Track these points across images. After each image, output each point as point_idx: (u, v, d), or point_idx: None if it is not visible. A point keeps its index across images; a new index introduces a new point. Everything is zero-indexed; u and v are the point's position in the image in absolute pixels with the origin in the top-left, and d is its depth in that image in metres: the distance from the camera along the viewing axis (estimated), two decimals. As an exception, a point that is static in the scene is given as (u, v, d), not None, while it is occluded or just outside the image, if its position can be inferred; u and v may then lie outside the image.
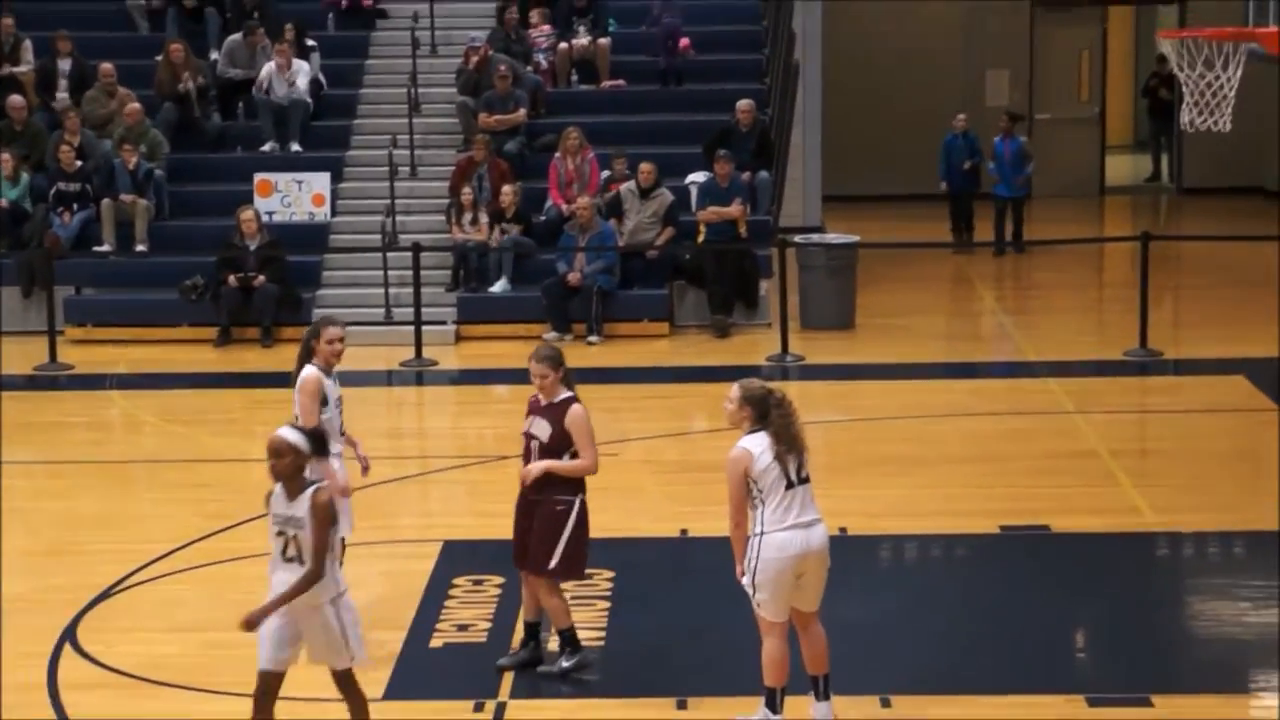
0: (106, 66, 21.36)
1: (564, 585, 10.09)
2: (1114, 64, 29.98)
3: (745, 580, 9.01)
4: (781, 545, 8.90)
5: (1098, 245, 24.29)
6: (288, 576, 8.44)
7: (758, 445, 8.92)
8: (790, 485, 8.92)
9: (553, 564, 9.83)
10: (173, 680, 10.28)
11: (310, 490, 8.32)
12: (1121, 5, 29.57)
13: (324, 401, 10.68)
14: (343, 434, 10.90)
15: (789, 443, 8.92)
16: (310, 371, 10.69)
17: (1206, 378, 17.16)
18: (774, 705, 9.17)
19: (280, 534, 8.46)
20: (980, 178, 23.66)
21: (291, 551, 8.42)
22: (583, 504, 9.87)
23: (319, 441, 8.50)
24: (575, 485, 9.86)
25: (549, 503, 9.85)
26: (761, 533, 8.93)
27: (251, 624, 8.47)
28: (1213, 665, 10.34)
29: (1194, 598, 11.71)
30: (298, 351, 10.89)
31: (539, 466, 9.75)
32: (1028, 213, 24.64)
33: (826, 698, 9.20)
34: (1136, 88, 31.08)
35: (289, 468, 8.36)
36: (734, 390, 9.08)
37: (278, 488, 8.44)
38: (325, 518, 8.32)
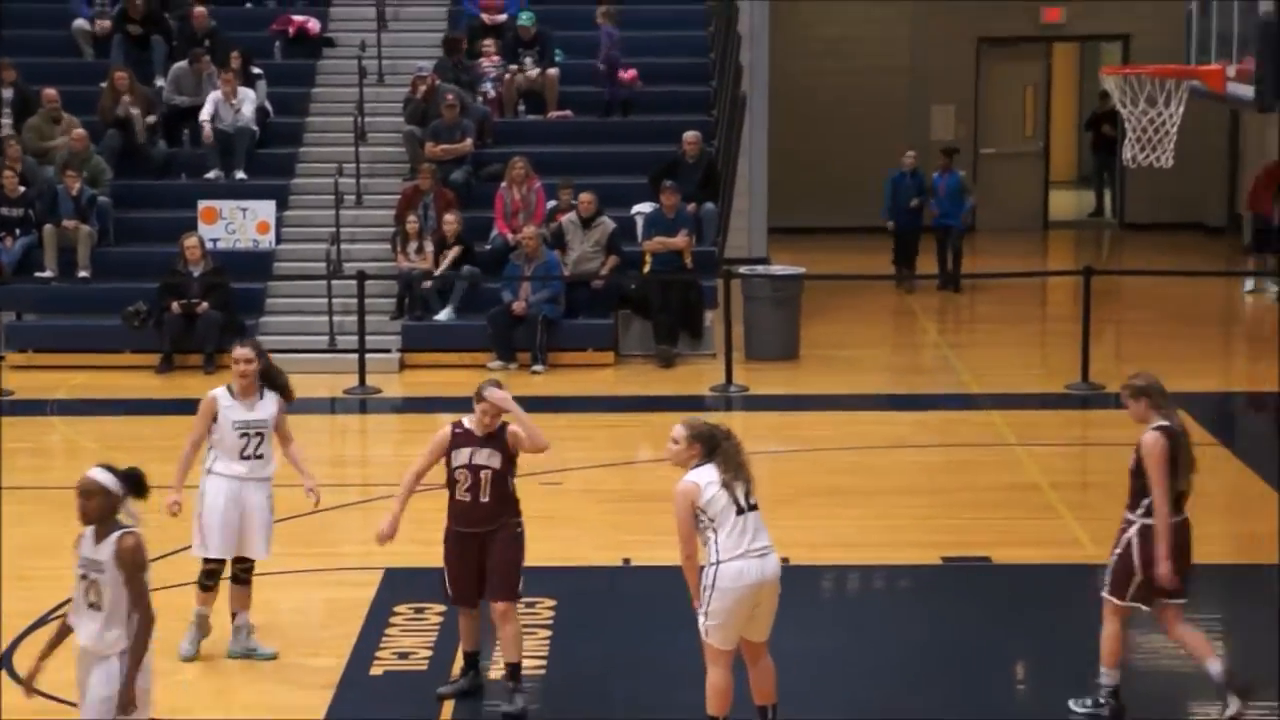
0: (50, 92, 21.27)
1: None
2: (1058, 100, 30.18)
3: (700, 609, 8.97)
4: (738, 574, 8.87)
5: (1041, 279, 24.42)
6: (92, 626, 7.96)
7: (704, 477, 8.92)
8: (740, 511, 8.90)
9: (520, 588, 9.91)
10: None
11: (116, 535, 7.86)
12: (1065, 42, 29.78)
13: (215, 420, 10.66)
14: (259, 456, 10.79)
15: (735, 470, 8.92)
16: (211, 392, 10.81)
17: (1148, 411, 17.22)
18: None
19: (84, 578, 7.97)
20: (924, 215, 23.68)
21: (93, 597, 7.92)
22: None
23: (135, 483, 7.99)
24: (519, 508, 9.93)
25: (507, 528, 9.88)
26: (717, 561, 8.90)
27: (126, 707, 7.98)
28: (1151, 695, 10.37)
29: (1133, 630, 11.70)
30: None
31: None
32: (970, 246, 24.79)
33: None
34: (1080, 123, 31.30)
35: (97, 509, 7.88)
36: (678, 430, 9.06)
37: (88, 530, 7.97)
38: (133, 563, 7.85)
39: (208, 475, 10.80)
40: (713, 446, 8.97)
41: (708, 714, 9.13)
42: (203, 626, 11.01)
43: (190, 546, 11.05)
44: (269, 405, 10.85)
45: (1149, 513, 9.76)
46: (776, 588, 9.07)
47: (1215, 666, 9.86)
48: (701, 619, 8.99)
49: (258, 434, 10.79)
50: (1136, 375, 10.09)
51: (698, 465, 8.97)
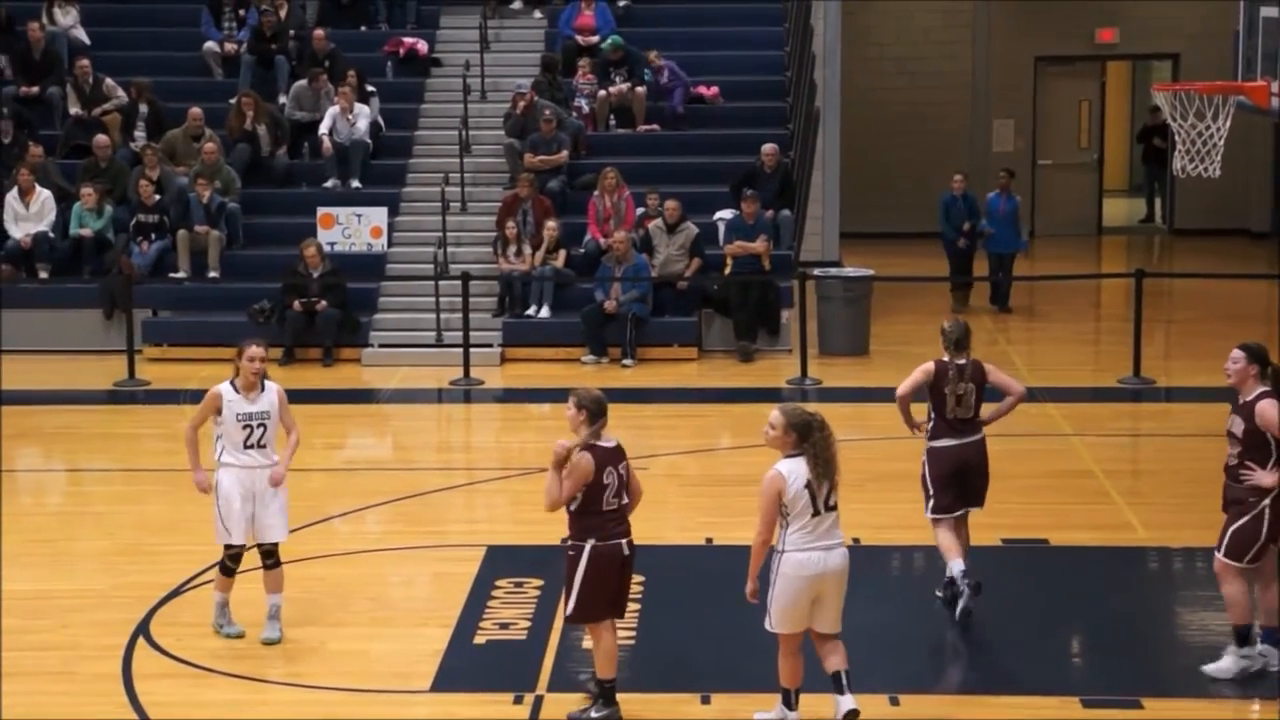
0: (195, 111, 21.41)
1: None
2: (1111, 114, 29.87)
3: (763, 595, 8.82)
4: (799, 564, 8.75)
5: (1095, 281, 24.18)
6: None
7: (792, 470, 8.74)
8: (817, 513, 8.74)
9: (570, 609, 9.37)
10: (236, 671, 10.29)
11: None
12: (1118, 61, 29.50)
13: (219, 413, 10.59)
14: (262, 446, 10.67)
15: (824, 466, 8.69)
16: (216, 387, 10.71)
17: (1194, 404, 17.06)
18: (789, 703, 9.12)
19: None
20: (977, 238, 22.06)
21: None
22: (593, 549, 9.24)
23: None
24: (582, 530, 9.26)
25: (565, 548, 9.45)
26: (782, 551, 8.79)
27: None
28: (1199, 671, 10.26)
29: (1182, 608, 11.63)
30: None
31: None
32: (1029, 251, 24.56)
33: (851, 689, 9.01)
34: (1132, 136, 30.98)
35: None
36: (775, 415, 8.83)
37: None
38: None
39: (220, 468, 10.70)
40: (805, 435, 8.74)
41: (780, 685, 9.10)
42: (227, 610, 10.91)
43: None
44: (270, 397, 10.73)
45: None
46: (841, 581, 8.90)
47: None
48: (766, 609, 8.86)
49: (260, 425, 10.66)
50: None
51: (791, 454, 8.77)
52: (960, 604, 10.77)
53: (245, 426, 10.62)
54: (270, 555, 10.76)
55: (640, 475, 9.58)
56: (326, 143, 21.26)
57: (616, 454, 9.26)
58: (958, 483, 11.06)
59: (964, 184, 21.96)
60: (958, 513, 11.12)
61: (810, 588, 8.79)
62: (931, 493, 11.06)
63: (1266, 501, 9.74)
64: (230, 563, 10.77)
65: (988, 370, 11.17)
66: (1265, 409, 9.62)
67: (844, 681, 9.06)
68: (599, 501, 9.20)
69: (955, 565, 10.91)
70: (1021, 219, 22.13)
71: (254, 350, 10.68)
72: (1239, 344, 9.92)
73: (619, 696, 9.48)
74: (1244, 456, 9.74)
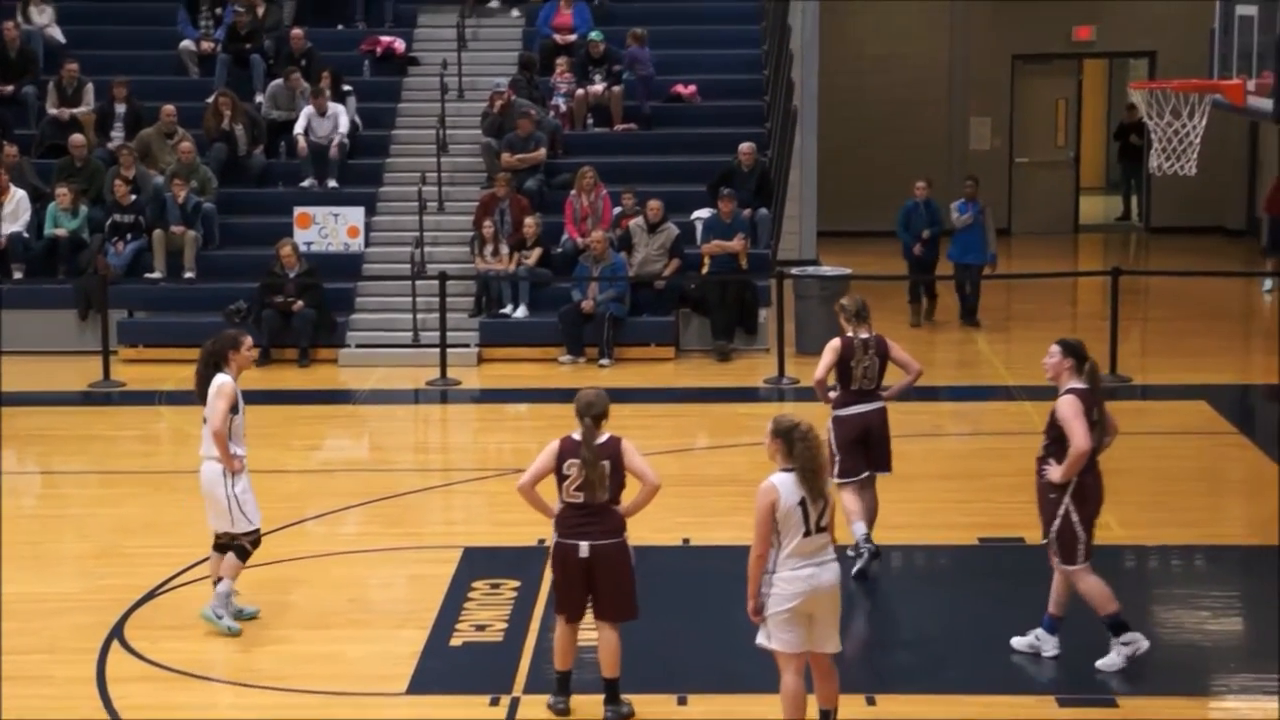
0: (169, 109, 21.35)
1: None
2: (1088, 112, 29.92)
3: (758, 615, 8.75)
4: (789, 581, 8.64)
5: (1072, 279, 24.23)
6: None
7: (786, 485, 8.63)
8: (809, 533, 8.63)
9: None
10: (213, 674, 10.27)
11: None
12: (1095, 59, 29.55)
13: (234, 409, 10.71)
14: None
15: (811, 478, 8.58)
16: (227, 379, 10.73)
17: (1171, 402, 17.11)
18: None
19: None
20: (939, 247, 21.14)
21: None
22: (555, 544, 9.48)
23: None
24: (554, 522, 9.49)
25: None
26: (773, 570, 8.66)
27: None
28: (1174, 669, 10.30)
29: (1158, 606, 11.65)
30: (204, 359, 10.81)
31: None
32: (1006, 249, 24.58)
33: None
34: (1109, 133, 31.04)
35: None
36: (768, 425, 8.77)
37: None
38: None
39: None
40: (789, 442, 8.63)
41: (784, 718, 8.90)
42: (230, 600, 10.97)
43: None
44: None
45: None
46: (833, 599, 8.77)
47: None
48: (761, 628, 8.77)
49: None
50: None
51: (785, 467, 8.65)
52: (857, 565, 11.47)
53: (244, 415, 10.84)
54: (234, 539, 10.94)
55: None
56: (302, 143, 21.22)
57: (596, 449, 9.27)
58: (862, 448, 11.72)
59: (927, 190, 20.91)
60: (862, 476, 11.75)
61: (804, 605, 8.67)
62: (838, 458, 11.61)
63: (1067, 498, 10.04)
64: (251, 547, 10.89)
65: (890, 346, 11.84)
66: (1062, 404, 9.97)
67: None
68: (561, 491, 9.37)
69: (859, 528, 11.64)
70: (989, 228, 20.71)
71: (250, 340, 10.95)
72: (1057, 339, 10.24)
73: (598, 698, 9.50)
74: (1049, 450, 10.08)
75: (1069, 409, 9.91)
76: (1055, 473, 9.99)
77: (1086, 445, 9.86)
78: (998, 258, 20.88)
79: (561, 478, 9.37)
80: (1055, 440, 10.01)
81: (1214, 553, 12.54)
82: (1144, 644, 10.16)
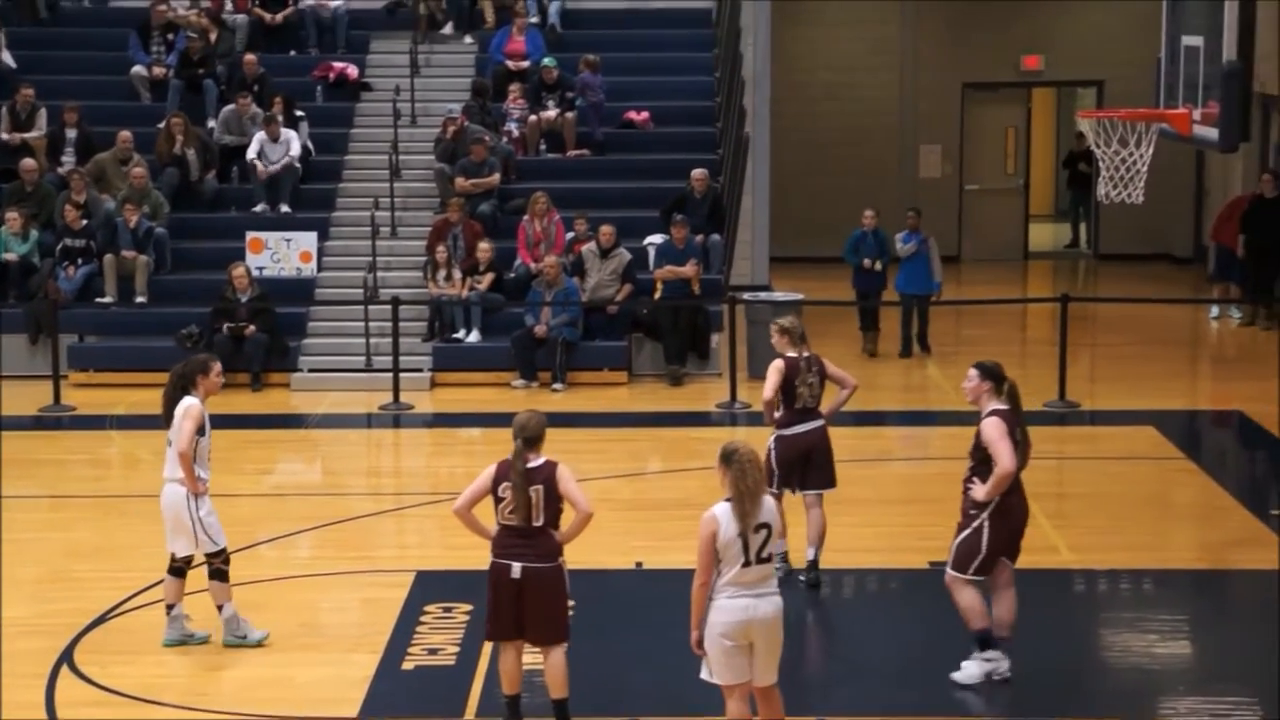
0: (125, 135, 21.26)
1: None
2: (1037, 140, 30.13)
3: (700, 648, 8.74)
4: (726, 610, 8.59)
5: (1021, 305, 24.39)
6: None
7: (726, 515, 8.58)
8: (748, 564, 8.57)
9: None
10: (164, 699, 10.22)
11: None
12: (1044, 88, 29.77)
13: (201, 431, 10.79)
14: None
15: (743, 499, 8.49)
16: (195, 402, 10.83)
17: (1119, 428, 17.23)
18: None
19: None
20: (886, 277, 20.93)
21: None
22: (491, 564, 9.50)
23: None
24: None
25: None
26: (711, 598, 8.63)
27: None
28: (1123, 693, 10.37)
29: (1106, 630, 11.73)
30: (173, 382, 10.93)
31: None
32: (956, 275, 24.71)
33: None
34: (1058, 161, 31.27)
35: None
36: (718, 452, 8.73)
37: None
38: None
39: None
40: (727, 465, 8.60)
41: None
42: (239, 619, 11.03)
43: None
44: None
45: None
46: (772, 630, 8.70)
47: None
48: (704, 662, 8.73)
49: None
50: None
51: (729, 497, 8.61)
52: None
53: (210, 439, 10.92)
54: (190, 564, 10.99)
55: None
56: (262, 168, 21.17)
57: (525, 473, 9.31)
58: (802, 465, 11.95)
59: (875, 220, 20.70)
60: (798, 492, 12.04)
61: (740, 635, 8.62)
62: (777, 474, 11.89)
63: (984, 515, 10.13)
64: (224, 565, 10.92)
65: (825, 364, 12.19)
66: (986, 427, 10.09)
67: None
68: (497, 513, 9.43)
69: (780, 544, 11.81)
70: (934, 258, 20.56)
71: (219, 366, 11.12)
72: (974, 362, 10.41)
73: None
74: (974, 470, 10.18)
75: (994, 430, 10.04)
76: (980, 491, 10.12)
77: (1012, 466, 10.00)
78: (943, 286, 20.85)
79: (497, 500, 9.41)
80: (981, 462, 10.13)
81: (1162, 577, 12.63)
82: (1004, 666, 10.28)
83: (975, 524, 10.17)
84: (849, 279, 21.16)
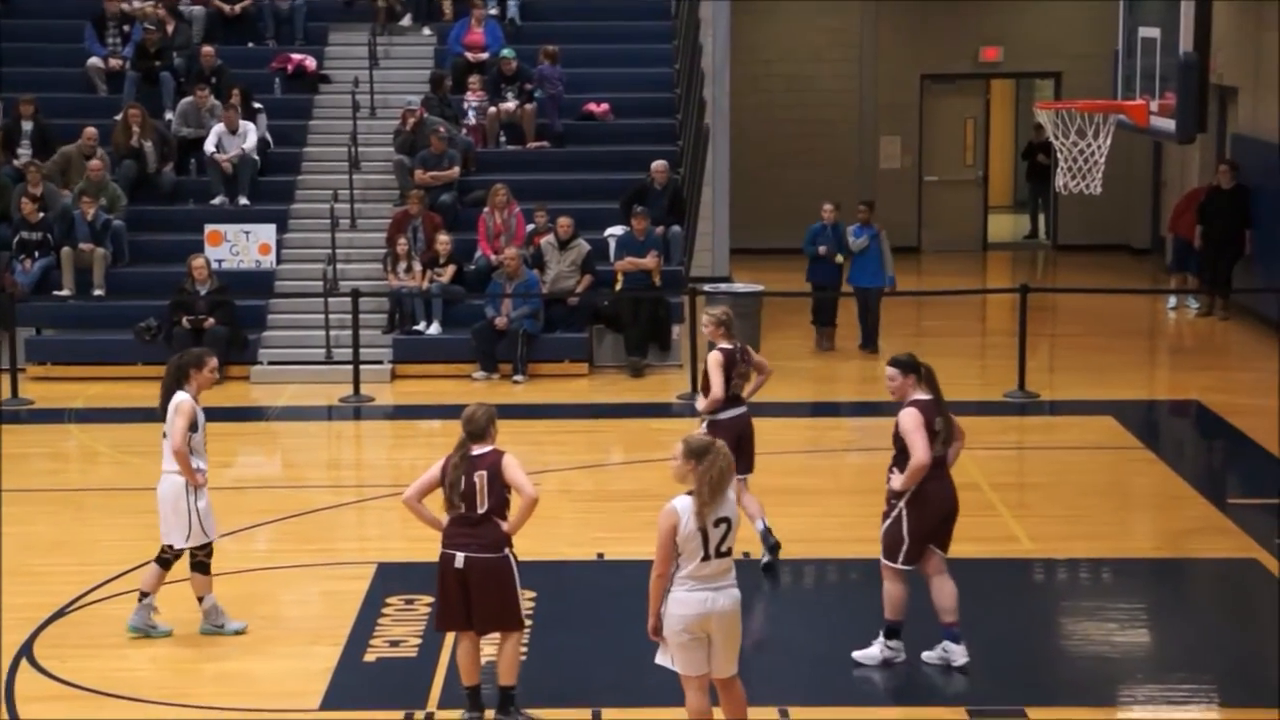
0: (90, 130, 21.09)
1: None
2: (996, 131, 30.21)
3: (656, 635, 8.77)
4: (683, 603, 8.61)
5: (981, 296, 24.47)
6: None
7: (687, 509, 8.59)
8: (707, 557, 8.58)
9: None
10: (124, 692, 10.19)
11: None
12: (1003, 79, 29.86)
13: (194, 427, 10.87)
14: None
15: (708, 490, 8.49)
16: (187, 397, 10.92)
17: (1078, 418, 17.31)
18: None
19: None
20: (842, 272, 20.72)
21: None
22: (440, 555, 9.55)
23: None
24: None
25: None
26: (669, 590, 8.65)
27: None
28: (1083, 680, 10.42)
29: (1066, 619, 11.79)
30: (169, 374, 11.01)
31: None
32: (916, 266, 24.76)
33: None
34: (1017, 153, 31.37)
35: None
36: (677, 447, 8.68)
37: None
38: None
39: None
40: (699, 460, 8.59)
41: None
42: (220, 610, 11.08)
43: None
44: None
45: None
46: (731, 623, 8.71)
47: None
48: (661, 647, 8.77)
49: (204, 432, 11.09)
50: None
51: (691, 489, 8.62)
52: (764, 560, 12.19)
53: (204, 432, 11.00)
54: (210, 556, 11.12)
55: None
56: (225, 159, 21.06)
57: (471, 461, 9.40)
58: (736, 449, 11.60)
59: (834, 214, 20.33)
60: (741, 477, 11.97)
61: (698, 628, 8.64)
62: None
63: (902, 504, 10.27)
64: (207, 559, 11.02)
65: (750, 352, 12.49)
66: (903, 417, 10.24)
67: None
68: (446, 503, 9.50)
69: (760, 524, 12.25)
70: (886, 252, 20.18)
71: (213, 361, 11.17)
72: (889, 360, 10.54)
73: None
74: (895, 460, 10.33)
75: (910, 421, 10.18)
76: (896, 481, 10.25)
77: (926, 458, 10.10)
78: (896, 280, 20.58)
79: (446, 489, 9.49)
80: (901, 451, 10.26)
81: (1121, 565, 12.70)
82: (901, 657, 10.46)
83: (895, 513, 10.31)
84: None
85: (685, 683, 8.82)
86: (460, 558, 9.40)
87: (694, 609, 8.61)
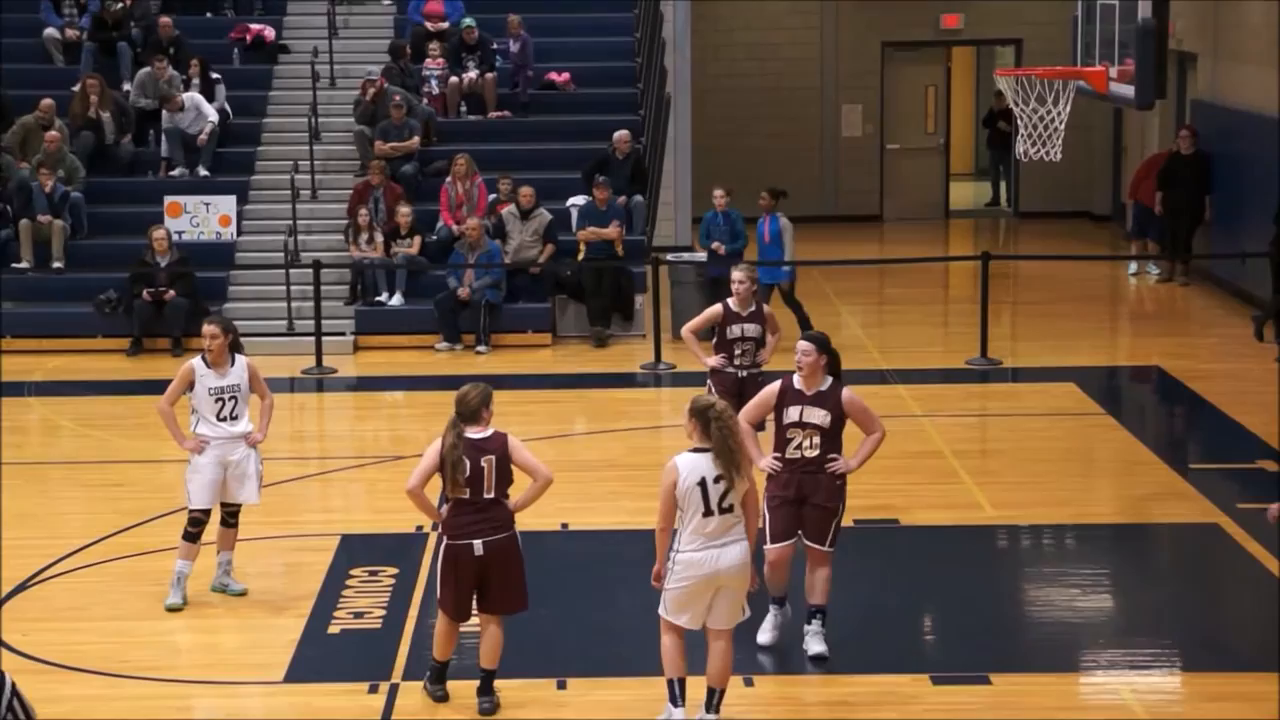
0: (47, 102, 20.90)
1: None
2: (957, 99, 30.24)
3: (658, 581, 8.85)
4: (690, 564, 8.71)
5: (943, 264, 24.52)
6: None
7: (688, 464, 8.71)
8: (709, 513, 8.67)
9: None
10: (87, 666, 10.15)
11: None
12: (963, 46, 29.89)
13: (191, 387, 11.07)
14: (235, 417, 11.18)
15: (723, 466, 8.63)
16: (189, 361, 11.26)
17: (1040, 385, 17.36)
18: (675, 699, 8.96)
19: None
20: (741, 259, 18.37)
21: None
22: (445, 547, 9.36)
23: None
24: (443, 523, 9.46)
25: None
26: (676, 549, 8.75)
27: None
28: (1046, 646, 10.48)
29: (1029, 585, 11.85)
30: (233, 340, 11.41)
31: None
32: (878, 234, 24.74)
33: (716, 711, 9.00)
34: (977, 120, 31.41)
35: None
36: (686, 406, 8.88)
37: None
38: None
39: (194, 439, 11.14)
40: (704, 423, 8.70)
41: (666, 678, 8.96)
42: (183, 582, 11.04)
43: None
44: (240, 370, 11.23)
45: None
46: (737, 578, 8.81)
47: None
48: (662, 596, 8.84)
49: (231, 397, 11.15)
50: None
51: (698, 447, 8.73)
52: None
53: (217, 400, 11.10)
54: (234, 515, 11.23)
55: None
56: (205, 131, 20.94)
57: (475, 446, 9.24)
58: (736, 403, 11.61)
59: (726, 200, 18.96)
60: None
61: (705, 586, 8.74)
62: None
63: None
64: (192, 527, 11.06)
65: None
66: (853, 398, 10.04)
67: (715, 701, 9.01)
68: (447, 488, 9.29)
69: None
70: (788, 244, 18.72)
71: (208, 328, 11.24)
72: (804, 335, 10.31)
73: (462, 682, 9.55)
74: (826, 446, 9.97)
75: (860, 399, 10.14)
76: (856, 462, 10.23)
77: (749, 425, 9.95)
78: (796, 274, 19.15)
79: (447, 472, 9.27)
80: (835, 435, 10.11)
81: (1083, 531, 12.76)
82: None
83: (844, 501, 10.30)
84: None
85: (668, 628, 8.91)
86: (479, 545, 9.21)
87: (698, 570, 8.73)
